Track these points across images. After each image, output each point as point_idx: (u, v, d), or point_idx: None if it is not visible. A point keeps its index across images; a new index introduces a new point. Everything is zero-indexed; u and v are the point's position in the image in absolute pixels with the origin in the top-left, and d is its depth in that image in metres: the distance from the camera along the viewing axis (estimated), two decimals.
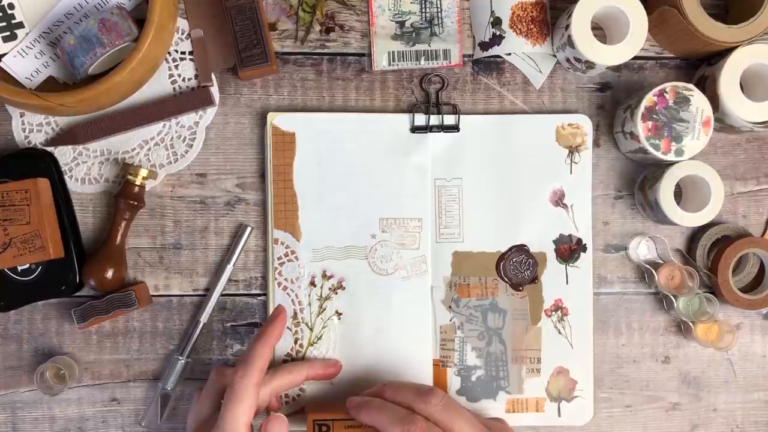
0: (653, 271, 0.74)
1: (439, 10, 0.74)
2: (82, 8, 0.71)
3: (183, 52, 0.74)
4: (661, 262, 0.75)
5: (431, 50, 0.74)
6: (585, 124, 0.74)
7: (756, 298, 0.73)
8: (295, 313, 0.73)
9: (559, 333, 0.74)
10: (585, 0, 0.69)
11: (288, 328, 0.73)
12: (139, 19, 0.68)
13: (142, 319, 0.74)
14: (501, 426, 0.69)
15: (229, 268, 0.74)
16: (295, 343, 0.73)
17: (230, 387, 0.63)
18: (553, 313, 0.74)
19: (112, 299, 0.71)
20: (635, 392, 0.75)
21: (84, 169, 0.74)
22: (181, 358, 0.73)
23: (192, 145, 0.74)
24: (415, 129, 0.74)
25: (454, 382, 0.74)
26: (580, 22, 0.69)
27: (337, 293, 0.74)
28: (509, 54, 0.75)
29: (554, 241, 0.74)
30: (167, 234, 0.74)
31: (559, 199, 0.74)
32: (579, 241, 0.74)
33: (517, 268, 0.74)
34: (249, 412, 0.63)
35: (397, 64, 0.74)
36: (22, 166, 0.71)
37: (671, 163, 0.70)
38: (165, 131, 0.74)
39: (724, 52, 0.70)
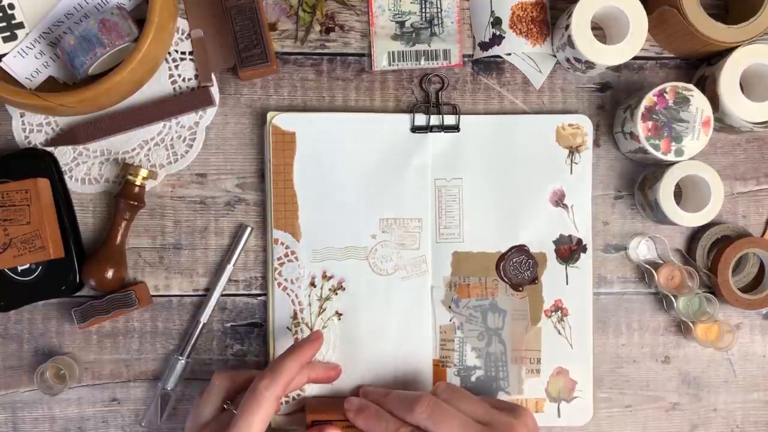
0: (653, 271, 0.74)
1: (439, 10, 0.74)
2: (82, 8, 0.71)
3: (183, 52, 0.74)
4: (661, 262, 0.75)
5: (431, 50, 0.74)
6: (585, 124, 0.74)
7: (756, 298, 0.73)
8: (295, 314, 0.73)
9: (559, 333, 0.74)
10: (585, 0, 0.69)
11: (288, 328, 0.73)
12: (139, 19, 0.68)
13: (142, 319, 0.74)
14: (507, 421, 0.64)
15: (229, 268, 0.74)
16: None
17: (252, 393, 0.63)
18: (553, 313, 0.74)
19: (112, 299, 0.71)
20: (635, 392, 0.75)
21: (84, 169, 0.74)
22: (181, 358, 0.73)
23: (192, 145, 0.74)
24: (415, 129, 0.74)
25: (453, 382, 0.74)
26: (580, 22, 0.69)
27: (337, 294, 0.74)
28: (509, 54, 0.75)
29: (554, 242, 0.74)
30: (167, 234, 0.74)
31: (559, 200, 0.74)
32: (579, 241, 0.74)
33: (517, 268, 0.74)
34: (265, 421, 0.62)
35: (397, 64, 0.74)
36: (22, 166, 0.71)
37: (671, 163, 0.70)
38: (165, 131, 0.74)
39: (724, 52, 0.70)
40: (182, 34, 0.74)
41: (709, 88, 0.71)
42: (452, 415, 0.63)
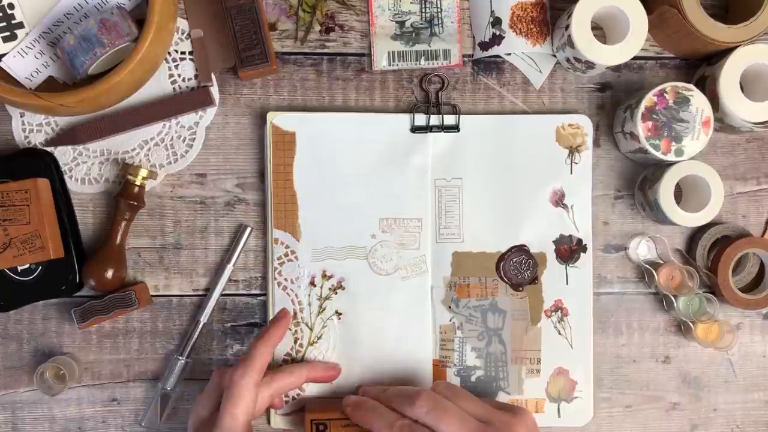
0: (653, 271, 0.74)
1: (439, 10, 0.74)
2: (82, 8, 0.71)
3: (183, 52, 0.74)
4: (661, 262, 0.75)
5: (431, 50, 0.74)
6: (585, 124, 0.74)
7: (756, 298, 0.73)
8: (295, 313, 0.73)
9: (559, 333, 0.74)
10: (585, 0, 0.69)
11: (288, 328, 0.73)
12: (139, 19, 0.68)
13: (142, 319, 0.74)
14: (506, 420, 0.63)
15: (229, 268, 0.74)
16: (295, 342, 0.73)
17: (229, 386, 0.64)
18: (553, 313, 0.74)
19: (112, 299, 0.71)
20: (635, 392, 0.75)
21: (84, 169, 0.74)
22: (181, 358, 0.73)
23: (192, 145, 0.74)
24: (415, 129, 0.74)
25: (453, 382, 0.74)
26: (580, 22, 0.69)
27: (337, 293, 0.74)
28: (509, 54, 0.75)
29: (554, 242, 0.74)
30: (167, 234, 0.74)
31: (559, 200, 0.74)
32: (579, 241, 0.74)
33: (517, 268, 0.74)
34: (248, 411, 0.63)
35: (397, 64, 0.74)
36: (22, 166, 0.71)
37: (671, 163, 0.70)
38: (165, 131, 0.74)
39: (724, 52, 0.70)
40: (182, 34, 0.74)
41: (709, 88, 0.71)
42: (452, 411, 0.63)
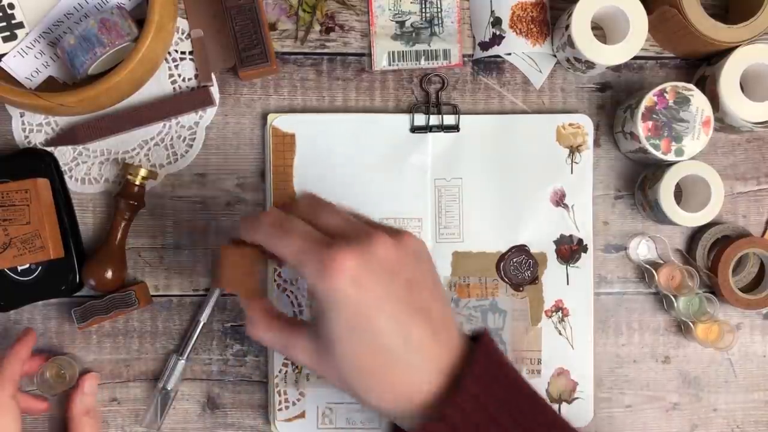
0: (653, 271, 0.74)
1: (439, 10, 0.74)
2: (82, 8, 0.71)
3: (183, 52, 0.74)
4: (661, 262, 0.75)
5: (431, 50, 0.74)
6: (586, 123, 0.74)
7: (756, 298, 0.73)
8: (295, 315, 0.73)
9: (560, 334, 0.74)
10: (585, 0, 0.69)
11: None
12: (139, 19, 0.68)
13: (142, 319, 0.74)
14: (365, 231, 0.52)
15: None
16: None
17: None
18: (554, 314, 0.74)
19: (112, 299, 0.71)
20: (635, 392, 0.75)
21: (84, 169, 0.74)
22: (181, 358, 0.73)
23: (192, 145, 0.74)
24: (415, 129, 0.74)
25: None
26: (580, 22, 0.69)
27: None
28: (509, 54, 0.75)
29: (555, 242, 0.74)
30: (167, 234, 0.74)
31: (559, 200, 0.74)
32: (580, 241, 0.74)
33: (518, 268, 0.74)
34: (17, 418, 0.65)
35: (397, 64, 0.74)
36: (22, 166, 0.71)
37: (671, 163, 0.70)
38: (165, 131, 0.74)
39: (724, 52, 0.70)
40: (182, 34, 0.74)
41: (709, 88, 0.71)
42: (296, 228, 0.53)
